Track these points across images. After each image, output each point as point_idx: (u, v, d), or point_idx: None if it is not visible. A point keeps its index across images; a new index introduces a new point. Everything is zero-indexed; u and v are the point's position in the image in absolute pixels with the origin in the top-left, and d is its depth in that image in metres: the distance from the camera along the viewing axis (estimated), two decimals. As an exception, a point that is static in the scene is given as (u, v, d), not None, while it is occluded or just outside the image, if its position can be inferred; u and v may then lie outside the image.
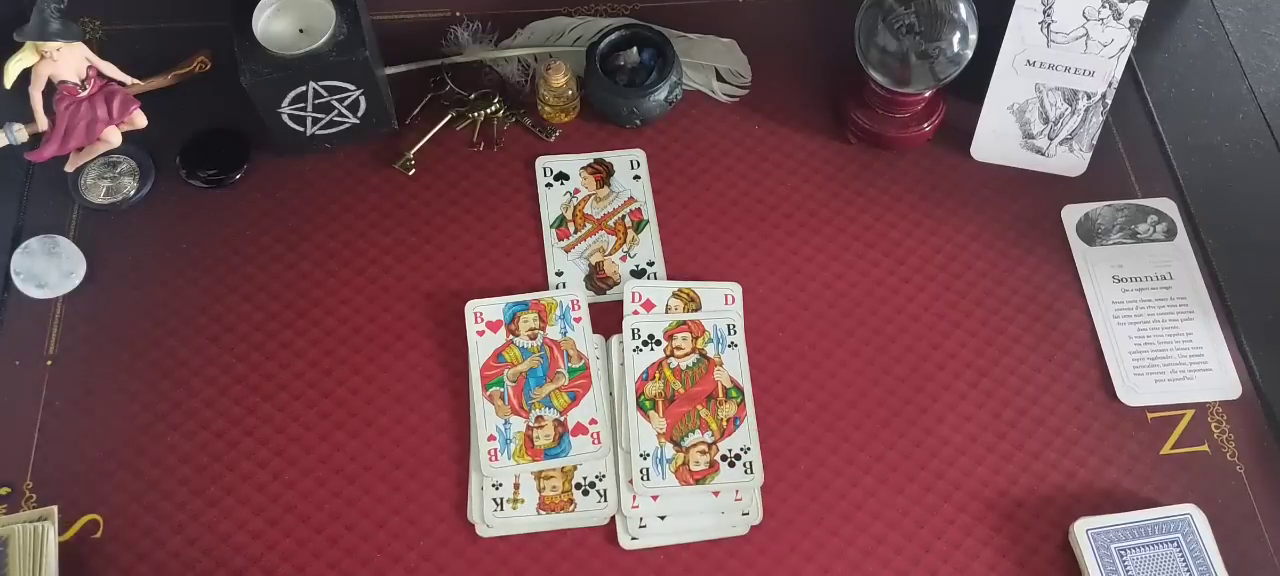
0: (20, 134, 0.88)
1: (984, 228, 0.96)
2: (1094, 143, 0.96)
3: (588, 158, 0.98)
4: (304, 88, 0.89)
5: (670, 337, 0.88)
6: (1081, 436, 0.86)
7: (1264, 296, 0.92)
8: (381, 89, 0.94)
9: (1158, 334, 0.90)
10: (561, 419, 0.84)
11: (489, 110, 0.99)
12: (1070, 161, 0.98)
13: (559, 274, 0.92)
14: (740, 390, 0.86)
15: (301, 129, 0.93)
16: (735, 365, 0.87)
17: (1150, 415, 0.87)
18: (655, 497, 0.82)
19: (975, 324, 0.91)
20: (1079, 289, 0.93)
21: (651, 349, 0.87)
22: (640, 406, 0.84)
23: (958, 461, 0.84)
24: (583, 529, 0.81)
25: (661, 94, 0.97)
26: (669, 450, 0.83)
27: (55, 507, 0.80)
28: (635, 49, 0.99)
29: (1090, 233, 0.95)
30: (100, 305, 0.89)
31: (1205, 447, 0.86)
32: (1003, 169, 0.99)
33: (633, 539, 0.81)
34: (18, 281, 0.89)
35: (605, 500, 0.82)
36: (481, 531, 0.81)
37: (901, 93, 0.94)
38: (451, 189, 0.96)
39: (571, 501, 0.82)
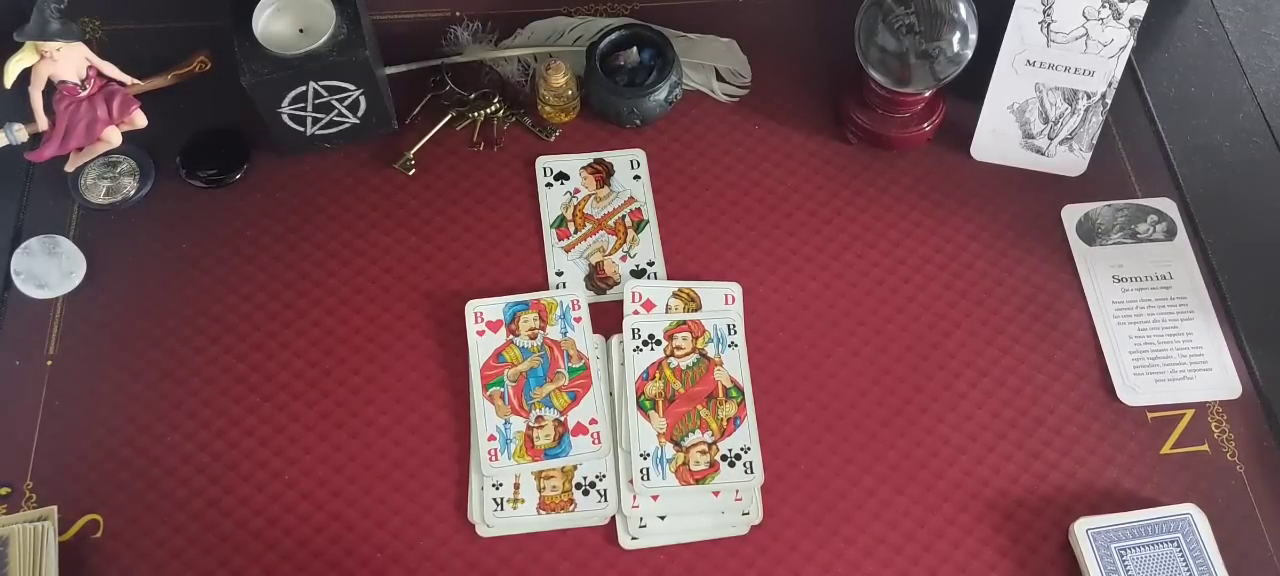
0: (20, 134, 0.88)
1: (984, 227, 0.96)
2: (1094, 142, 0.96)
3: (588, 158, 0.98)
4: (304, 88, 0.89)
5: (670, 337, 0.88)
6: (1081, 436, 0.86)
7: (1264, 296, 0.92)
8: (381, 89, 0.94)
9: (1158, 333, 0.90)
10: (561, 419, 0.84)
11: (489, 110, 0.99)
12: (1070, 161, 0.98)
13: (559, 274, 0.92)
14: (740, 390, 0.86)
15: (301, 129, 0.93)
16: (735, 365, 0.87)
17: (1150, 415, 0.87)
18: (655, 497, 0.82)
19: (975, 324, 0.91)
20: (1079, 289, 0.93)
21: (651, 349, 0.87)
22: (640, 406, 0.84)
23: (958, 461, 0.84)
24: (583, 529, 0.81)
25: (661, 94, 0.97)
26: (669, 450, 0.83)
27: (55, 507, 0.80)
28: (635, 49, 0.99)
29: (1090, 232, 0.95)
30: (100, 305, 0.89)
31: (1205, 447, 0.86)
32: (1003, 169, 0.99)
33: (633, 539, 0.81)
34: (18, 281, 0.89)
35: (605, 500, 0.82)
36: (481, 531, 0.81)
37: (901, 93, 0.94)
38: (451, 189, 0.96)
39: (571, 501, 0.82)
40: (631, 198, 0.96)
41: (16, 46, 0.83)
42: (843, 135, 1.00)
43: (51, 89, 0.86)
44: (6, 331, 0.88)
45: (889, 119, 0.97)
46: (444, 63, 1.01)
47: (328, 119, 0.93)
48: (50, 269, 0.89)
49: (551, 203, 0.95)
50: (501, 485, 0.82)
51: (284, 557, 0.79)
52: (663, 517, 0.81)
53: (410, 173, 0.96)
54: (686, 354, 0.87)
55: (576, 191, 0.96)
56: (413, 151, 0.97)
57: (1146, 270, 0.93)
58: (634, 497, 0.82)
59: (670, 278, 0.92)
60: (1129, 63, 0.94)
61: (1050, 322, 0.91)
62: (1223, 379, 0.88)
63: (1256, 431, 0.86)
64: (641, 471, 0.82)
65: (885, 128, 0.97)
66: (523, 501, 0.82)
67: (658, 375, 0.86)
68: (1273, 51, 1.06)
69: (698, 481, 0.82)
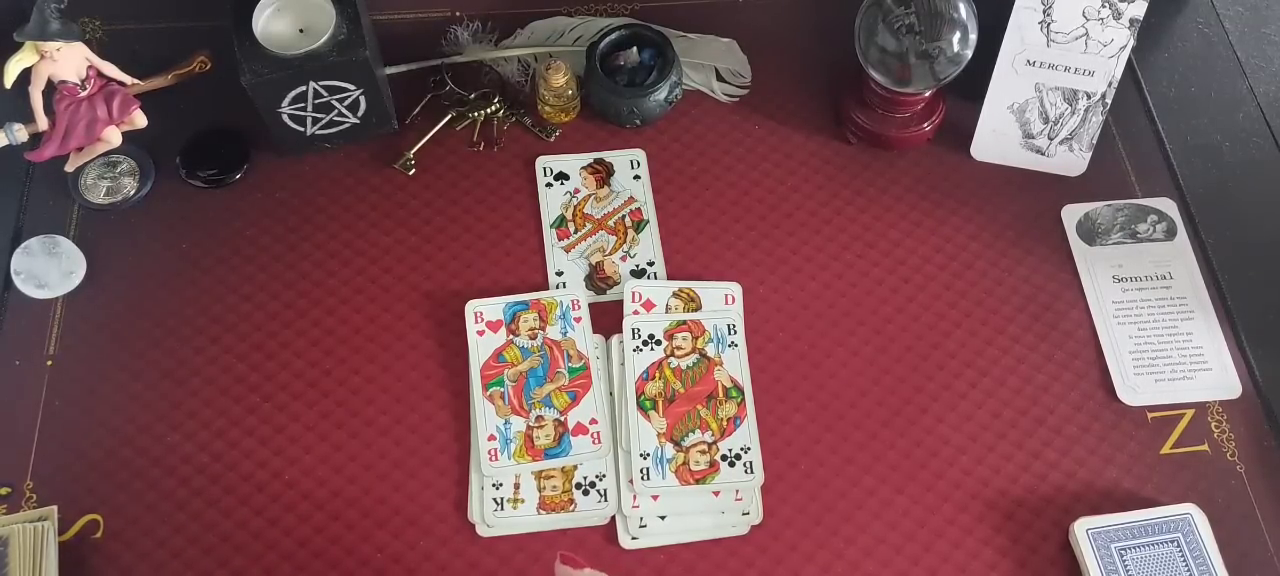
0: (20, 134, 0.88)
1: (984, 227, 0.96)
2: (1094, 142, 0.96)
3: (588, 158, 0.98)
4: (304, 88, 0.89)
5: (670, 337, 0.88)
6: (1081, 436, 0.86)
7: (1264, 296, 0.92)
8: (381, 89, 0.94)
9: (1158, 333, 0.90)
10: (561, 419, 0.84)
11: (489, 110, 0.99)
12: (1070, 161, 0.98)
13: (559, 274, 0.92)
14: (740, 390, 0.86)
15: (301, 129, 0.93)
16: (735, 365, 0.87)
17: (1150, 415, 0.87)
18: (655, 497, 0.82)
19: (975, 324, 0.91)
20: (1079, 289, 0.93)
21: (651, 349, 0.87)
22: (640, 406, 0.84)
23: (958, 461, 0.84)
24: (583, 529, 0.81)
25: (661, 94, 0.97)
26: (669, 450, 0.83)
27: (55, 507, 0.80)
28: (635, 49, 0.99)
29: (1090, 232, 0.95)
30: (100, 305, 0.89)
31: (1205, 447, 0.86)
32: (1003, 169, 0.99)
33: (633, 539, 0.81)
34: (18, 281, 0.89)
35: (605, 500, 0.82)
36: (481, 531, 0.81)
37: (901, 93, 0.94)
38: (451, 189, 0.96)
39: (572, 501, 0.82)
40: (631, 198, 0.96)
41: (16, 46, 0.83)
42: (843, 135, 1.00)
43: (51, 89, 0.86)
44: (6, 331, 0.88)
45: (889, 119, 0.97)
46: (444, 63, 1.01)
47: (328, 119, 0.93)
48: (50, 269, 0.89)
49: (551, 203, 0.95)
50: (501, 485, 0.82)
51: (284, 557, 0.79)
52: (663, 517, 0.81)
53: (410, 173, 0.96)
54: (686, 354, 0.87)
55: (576, 191, 0.96)
56: (413, 151, 0.97)
57: (1146, 270, 0.93)
58: (634, 497, 0.82)
59: (670, 278, 0.92)
60: (1129, 63, 0.94)
61: (1050, 322, 0.91)
62: (1223, 379, 0.88)
63: (1256, 431, 0.86)
64: (641, 471, 0.82)
65: (885, 128, 0.97)
66: (523, 501, 0.82)
67: (658, 375, 0.86)
68: (1273, 51, 1.06)
69: (698, 481, 0.82)
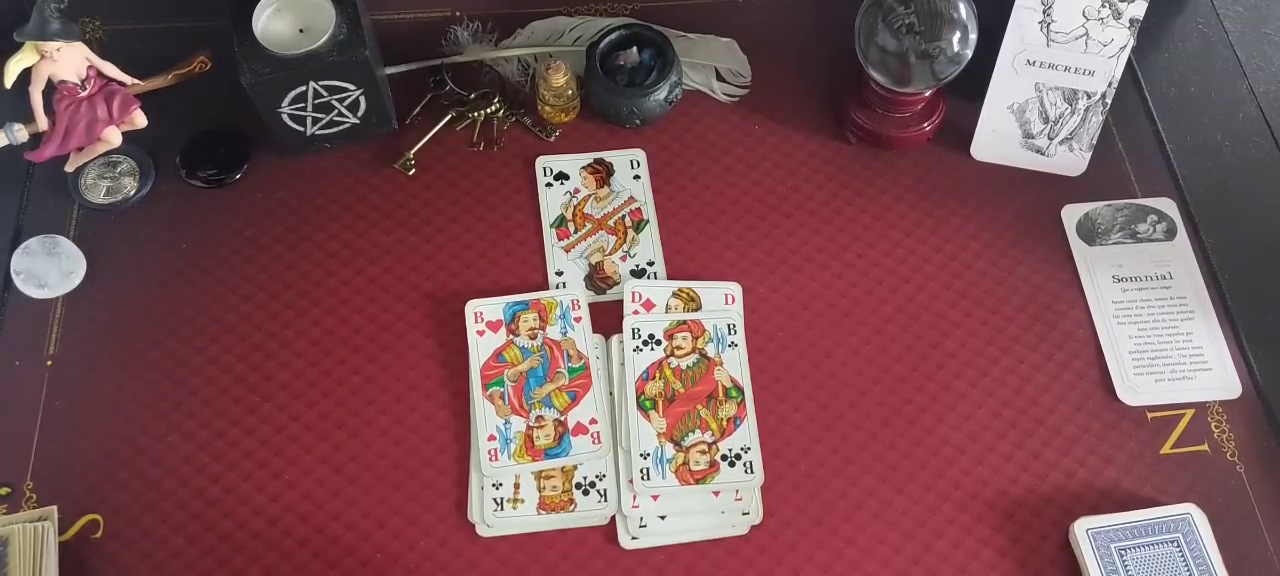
0: (20, 134, 0.88)
1: (984, 227, 0.96)
2: (1094, 142, 0.96)
3: (588, 157, 0.98)
4: (304, 88, 0.89)
5: (670, 337, 0.88)
6: (1081, 436, 0.86)
7: (1264, 296, 0.92)
8: (381, 89, 0.94)
9: (1158, 333, 0.90)
10: (561, 418, 0.84)
11: (489, 110, 0.99)
12: (1070, 161, 0.98)
13: (559, 274, 0.92)
14: (740, 390, 0.86)
15: (301, 129, 0.93)
16: (735, 365, 0.87)
17: (1150, 415, 0.87)
18: (655, 497, 0.82)
19: (975, 324, 0.91)
20: (1079, 289, 0.93)
21: (651, 349, 0.87)
22: (640, 406, 0.84)
23: (958, 461, 0.84)
24: (583, 528, 0.81)
25: (661, 94, 0.97)
26: (669, 450, 0.83)
27: (55, 507, 0.80)
28: (635, 49, 0.99)
29: (1090, 232, 0.95)
30: (100, 305, 0.89)
31: (1205, 447, 0.86)
32: (1003, 168, 0.99)
33: (633, 539, 0.81)
34: (18, 281, 0.89)
35: (605, 500, 0.82)
36: (481, 531, 0.81)
37: (901, 92, 0.94)
38: (451, 189, 0.96)
39: (571, 501, 0.82)
40: (631, 197, 0.96)
41: (16, 46, 0.83)
42: (843, 135, 1.00)
43: (51, 89, 0.86)
44: (6, 331, 0.88)
45: (889, 119, 0.97)
46: (444, 63, 1.01)
47: (328, 119, 0.93)
48: (50, 269, 0.89)
49: (551, 202, 0.95)
50: (501, 485, 0.82)
51: (284, 557, 0.79)
52: (663, 517, 0.81)
53: (410, 173, 0.96)
54: (686, 354, 0.87)
55: (576, 191, 0.96)
56: (413, 151, 0.97)
57: (1146, 270, 0.93)
58: (634, 497, 0.82)
59: (670, 277, 0.92)
60: (1129, 63, 0.94)
61: (1050, 322, 0.91)
62: (1223, 379, 0.88)
63: (1256, 431, 0.86)
64: (641, 471, 0.82)
65: (885, 128, 0.97)
66: (523, 501, 0.82)
67: (658, 375, 0.86)
68: (1273, 51, 1.06)
69: (698, 481, 0.82)
